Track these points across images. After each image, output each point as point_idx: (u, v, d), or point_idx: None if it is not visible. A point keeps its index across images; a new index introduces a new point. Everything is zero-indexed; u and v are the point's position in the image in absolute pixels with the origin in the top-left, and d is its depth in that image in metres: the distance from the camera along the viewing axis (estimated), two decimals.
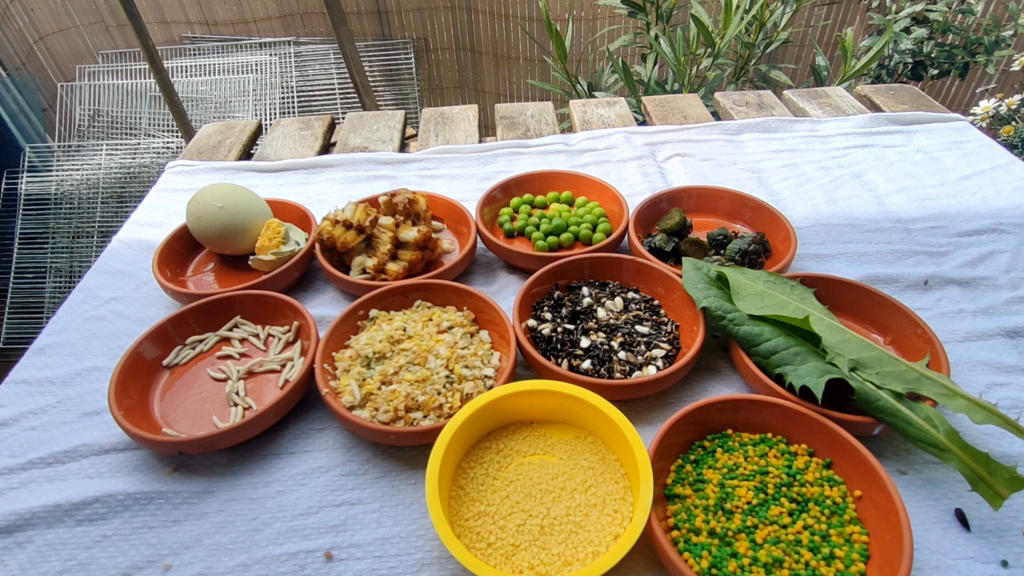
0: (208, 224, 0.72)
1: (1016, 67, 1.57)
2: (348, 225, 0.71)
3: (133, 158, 2.12)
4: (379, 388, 0.55)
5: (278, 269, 0.70)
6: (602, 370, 0.57)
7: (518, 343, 0.58)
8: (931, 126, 0.99)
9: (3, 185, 2.06)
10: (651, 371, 0.57)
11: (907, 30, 1.70)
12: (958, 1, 1.69)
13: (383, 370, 0.56)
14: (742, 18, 1.37)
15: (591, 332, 0.61)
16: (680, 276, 0.63)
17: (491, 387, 0.56)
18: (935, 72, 1.75)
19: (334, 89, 2.38)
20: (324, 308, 0.70)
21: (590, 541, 0.45)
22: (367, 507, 0.50)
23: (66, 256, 2.05)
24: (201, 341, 0.64)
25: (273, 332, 0.64)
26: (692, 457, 0.50)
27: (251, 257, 0.72)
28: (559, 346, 0.59)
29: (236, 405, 0.57)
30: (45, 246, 2.05)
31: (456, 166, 0.95)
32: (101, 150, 2.13)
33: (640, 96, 1.27)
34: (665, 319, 0.63)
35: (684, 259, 0.63)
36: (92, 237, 2.06)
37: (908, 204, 0.82)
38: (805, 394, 0.51)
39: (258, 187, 0.92)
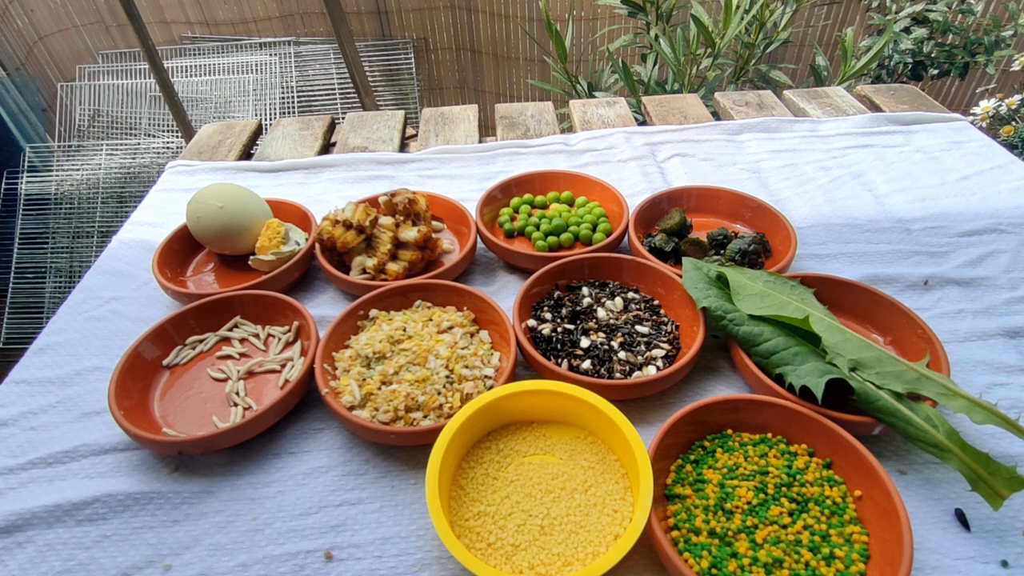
0: (208, 224, 0.72)
1: (1016, 67, 1.57)
2: (348, 225, 0.71)
3: (133, 158, 2.12)
4: (379, 388, 0.55)
5: (278, 269, 0.70)
6: (602, 370, 0.57)
7: (518, 343, 0.58)
8: (931, 126, 0.99)
9: (3, 185, 2.06)
10: (651, 371, 0.57)
11: (907, 30, 1.70)
12: (958, 1, 1.69)
13: (383, 370, 0.56)
14: (742, 18, 1.37)
15: (591, 332, 0.61)
16: (680, 276, 0.63)
17: (491, 387, 0.56)
18: (935, 72, 1.75)
19: (334, 89, 2.38)
20: (324, 308, 0.70)
21: (590, 541, 0.45)
22: (367, 507, 0.50)
23: (66, 256, 2.05)
24: (201, 341, 0.64)
25: (273, 332, 0.64)
26: (692, 457, 0.50)
27: (251, 257, 0.72)
28: (559, 346, 0.59)
29: (236, 405, 0.57)
30: (45, 246, 2.05)
31: (456, 166, 0.95)
32: (101, 150, 2.13)
33: (640, 96, 1.27)
34: (665, 319, 0.63)
35: (684, 259, 0.63)
36: (92, 237, 2.06)
37: (908, 204, 0.82)
38: (805, 394, 0.51)
39: (258, 187, 0.92)
